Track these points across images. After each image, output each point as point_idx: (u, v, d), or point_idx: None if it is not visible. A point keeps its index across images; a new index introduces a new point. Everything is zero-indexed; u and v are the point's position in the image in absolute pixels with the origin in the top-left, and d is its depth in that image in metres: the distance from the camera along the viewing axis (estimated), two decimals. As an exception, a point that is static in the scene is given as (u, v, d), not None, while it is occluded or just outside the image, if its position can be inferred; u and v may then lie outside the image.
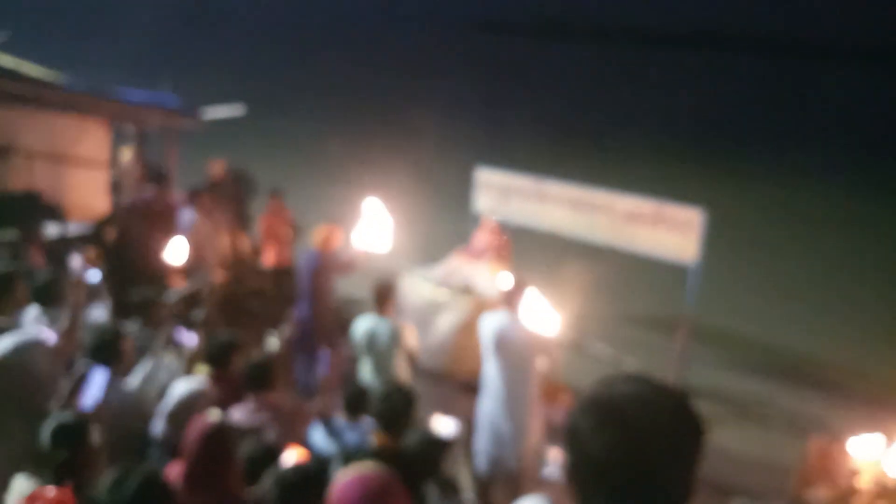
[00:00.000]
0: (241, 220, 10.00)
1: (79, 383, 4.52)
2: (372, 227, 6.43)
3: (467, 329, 7.54)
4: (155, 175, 9.68)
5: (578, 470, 1.41)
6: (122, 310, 6.10)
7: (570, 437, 1.42)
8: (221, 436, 3.60)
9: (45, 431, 3.42)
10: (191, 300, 6.96)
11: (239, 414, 4.42)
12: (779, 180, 19.68)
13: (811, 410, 7.68)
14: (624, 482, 1.35)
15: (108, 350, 4.45)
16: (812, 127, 29.98)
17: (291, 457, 3.97)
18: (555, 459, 4.77)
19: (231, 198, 9.81)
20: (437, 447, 4.03)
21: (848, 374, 8.69)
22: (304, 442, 4.52)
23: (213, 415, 3.77)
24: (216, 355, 4.85)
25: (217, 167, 10.10)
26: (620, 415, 1.37)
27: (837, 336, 9.76)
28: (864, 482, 4.72)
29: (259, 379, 4.57)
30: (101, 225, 8.93)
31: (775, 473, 6.13)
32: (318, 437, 4.57)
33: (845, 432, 5.14)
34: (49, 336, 4.46)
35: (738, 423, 7.38)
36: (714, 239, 7.08)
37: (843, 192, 18.57)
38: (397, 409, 4.22)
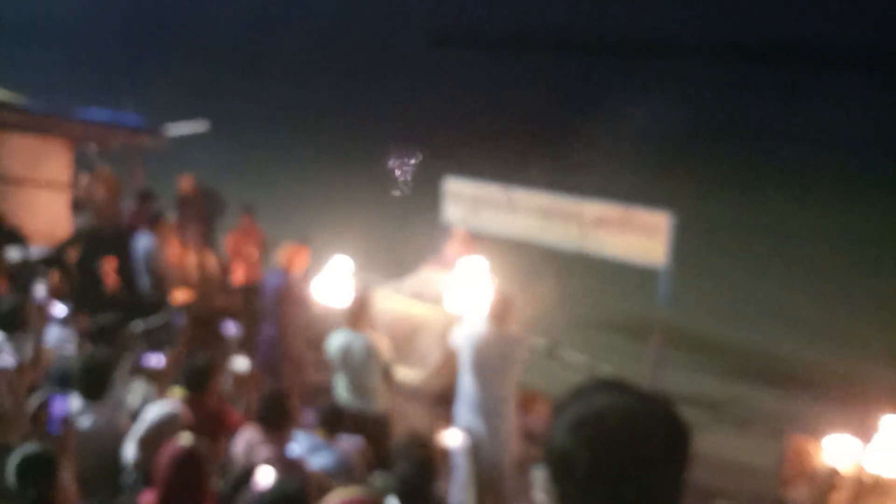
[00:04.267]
0: (209, 238, 9.87)
1: (43, 410, 4.41)
2: (333, 282, 6.46)
3: (444, 341, 7.48)
4: (140, 195, 9.59)
5: (563, 486, 1.37)
6: (87, 335, 5.96)
7: (553, 455, 1.37)
8: (193, 460, 3.53)
9: (10, 467, 3.29)
10: (161, 329, 6.84)
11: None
12: (748, 183, 19.91)
13: (787, 410, 7.71)
14: (612, 496, 1.31)
15: (97, 379, 4.35)
16: (782, 131, 30.36)
17: (265, 477, 3.89)
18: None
19: (199, 215, 9.68)
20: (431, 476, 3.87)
21: (822, 372, 8.75)
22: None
23: (185, 439, 3.68)
24: (193, 379, 4.68)
25: (186, 183, 9.96)
26: (604, 430, 1.32)
27: (809, 335, 9.85)
28: (844, 479, 4.73)
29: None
30: (64, 247, 8.75)
31: (755, 475, 6.15)
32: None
33: (822, 430, 5.15)
34: (10, 363, 4.35)
35: (715, 426, 7.40)
36: (684, 243, 7.09)
37: (813, 193, 18.80)
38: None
